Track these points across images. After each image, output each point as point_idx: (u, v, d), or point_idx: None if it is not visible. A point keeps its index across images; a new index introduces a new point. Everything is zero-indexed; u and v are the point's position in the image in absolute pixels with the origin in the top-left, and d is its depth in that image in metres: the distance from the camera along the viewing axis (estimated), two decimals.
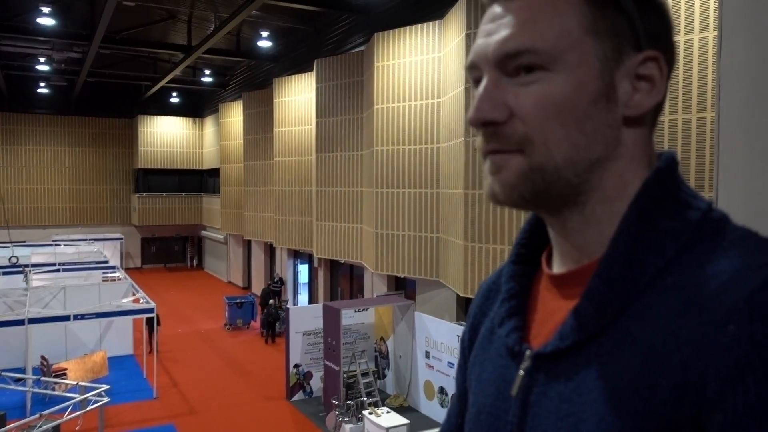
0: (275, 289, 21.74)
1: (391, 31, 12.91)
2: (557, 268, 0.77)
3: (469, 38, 10.25)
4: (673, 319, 0.60)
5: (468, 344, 0.94)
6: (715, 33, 6.41)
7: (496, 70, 0.69)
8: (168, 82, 25.02)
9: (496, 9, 0.71)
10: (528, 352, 0.73)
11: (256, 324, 19.67)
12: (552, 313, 0.75)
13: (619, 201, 0.70)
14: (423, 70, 12.29)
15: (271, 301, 18.32)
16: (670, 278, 0.63)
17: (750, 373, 0.54)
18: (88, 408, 9.34)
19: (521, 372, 0.73)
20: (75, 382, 10.69)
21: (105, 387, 9.88)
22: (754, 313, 0.55)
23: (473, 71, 0.73)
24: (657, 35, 0.69)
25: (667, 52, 0.70)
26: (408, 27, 12.59)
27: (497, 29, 0.69)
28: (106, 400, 9.43)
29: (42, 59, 22.87)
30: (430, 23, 12.21)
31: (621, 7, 0.67)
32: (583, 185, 0.69)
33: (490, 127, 0.69)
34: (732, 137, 1.06)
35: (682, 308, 0.60)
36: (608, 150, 0.68)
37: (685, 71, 6.69)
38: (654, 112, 0.72)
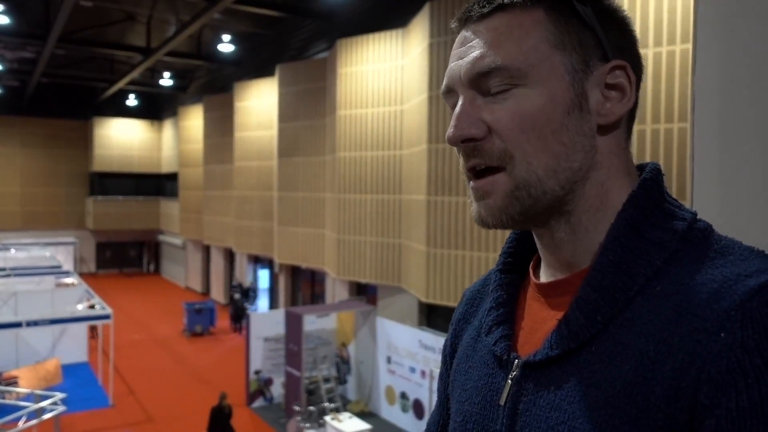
0: (236, 296, 21.55)
1: (354, 38, 12.99)
2: (544, 277, 0.78)
3: (432, 47, 10.41)
4: (664, 327, 0.61)
5: (450, 352, 0.93)
6: (683, 46, 6.67)
7: (471, 89, 0.72)
8: (126, 84, 24.55)
9: (466, 33, 0.74)
10: (517, 361, 0.74)
11: (215, 330, 19.43)
12: (540, 322, 0.76)
13: (603, 210, 0.72)
14: (386, 78, 12.40)
15: (236, 296, 19.27)
16: (659, 286, 0.65)
17: (742, 378, 0.55)
18: (44, 417, 9.09)
19: (510, 381, 0.74)
20: (29, 391, 10.39)
21: (61, 395, 9.62)
22: (745, 320, 0.56)
23: (449, 96, 0.75)
24: (622, 46, 0.72)
25: (633, 61, 0.73)
26: (371, 34, 12.69)
27: (468, 51, 0.72)
28: (62, 408, 9.19)
29: None
30: (394, 31, 12.33)
31: (585, 22, 0.70)
32: (568, 195, 0.71)
33: (469, 143, 0.71)
34: (706, 149, 1.12)
35: (672, 316, 0.61)
36: (587, 158, 0.71)
37: (668, 82, 6.90)
38: (628, 120, 0.75)
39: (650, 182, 0.71)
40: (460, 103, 0.73)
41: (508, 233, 0.89)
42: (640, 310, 0.65)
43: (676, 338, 0.60)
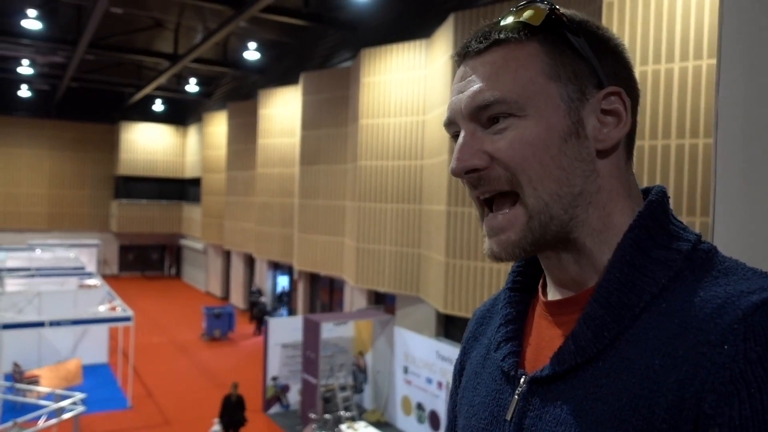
0: (254, 300, 21.68)
1: (378, 47, 13.05)
2: (551, 295, 0.80)
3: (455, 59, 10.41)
4: (670, 341, 0.63)
5: (459, 369, 0.96)
6: (710, 61, 6.59)
7: (471, 122, 0.75)
8: (152, 90, 24.93)
9: (465, 68, 0.77)
10: (524, 377, 0.76)
11: (234, 335, 19.54)
12: (547, 339, 0.78)
13: (605, 231, 0.74)
14: (409, 88, 12.43)
15: (262, 299, 20.38)
16: (664, 304, 0.67)
17: (745, 388, 0.57)
18: (63, 417, 9.20)
19: (516, 396, 0.76)
20: (50, 390, 10.53)
21: (81, 395, 9.74)
22: (747, 333, 0.59)
23: (451, 127, 0.79)
24: (616, 72, 0.75)
25: (629, 86, 0.76)
26: (395, 44, 12.74)
27: (467, 85, 0.75)
28: (82, 409, 9.30)
29: (25, 62, 22.68)
30: (417, 42, 12.37)
31: (579, 52, 0.73)
32: (572, 221, 0.74)
33: (473, 174, 0.74)
34: (729, 166, 1.12)
35: (677, 330, 0.64)
36: (587, 183, 0.73)
37: (693, 96, 6.83)
38: (627, 143, 0.77)
39: (656, 204, 0.74)
40: (461, 135, 0.76)
41: None
42: (646, 327, 0.67)
43: (680, 351, 0.62)
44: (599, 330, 0.69)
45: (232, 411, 10.99)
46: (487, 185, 0.75)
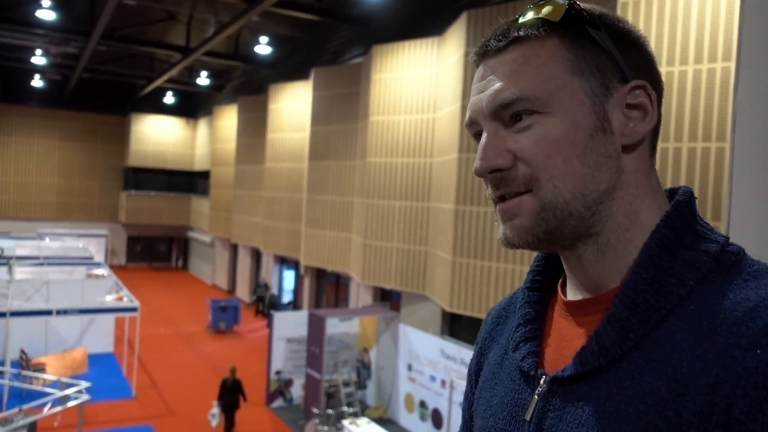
0: (261, 294, 21.74)
1: (389, 44, 13.03)
2: (572, 295, 0.79)
3: (468, 56, 10.39)
4: (699, 344, 0.62)
5: (476, 370, 0.95)
6: (724, 64, 6.54)
7: (494, 121, 0.74)
8: (164, 82, 25.00)
9: (485, 67, 0.76)
10: (544, 377, 0.75)
11: (239, 328, 19.61)
12: (567, 340, 0.77)
13: (632, 229, 0.73)
14: (420, 85, 12.41)
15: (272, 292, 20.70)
16: (692, 306, 0.65)
17: None
18: (68, 405, 9.26)
19: (536, 396, 0.75)
20: (56, 378, 10.60)
21: (86, 384, 9.80)
22: None
23: (472, 127, 0.78)
24: (639, 66, 0.74)
25: (652, 79, 0.74)
26: (407, 41, 12.72)
27: (488, 84, 0.74)
28: (86, 397, 9.35)
29: (38, 52, 22.80)
30: (429, 39, 12.34)
31: (600, 46, 0.72)
32: (595, 217, 0.72)
33: (497, 174, 0.73)
34: (746, 170, 1.11)
35: (707, 333, 0.62)
36: (613, 179, 0.72)
37: (707, 99, 6.78)
38: (652, 138, 0.76)
39: (683, 204, 0.73)
40: (484, 135, 0.75)
41: None
42: (673, 329, 0.65)
43: (710, 354, 0.61)
44: (624, 331, 0.68)
45: (230, 394, 11.35)
46: (507, 186, 0.74)
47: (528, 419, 0.75)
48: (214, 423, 11.11)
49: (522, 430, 0.76)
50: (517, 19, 0.75)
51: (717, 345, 0.61)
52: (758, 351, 0.58)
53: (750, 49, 1.16)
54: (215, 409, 11.19)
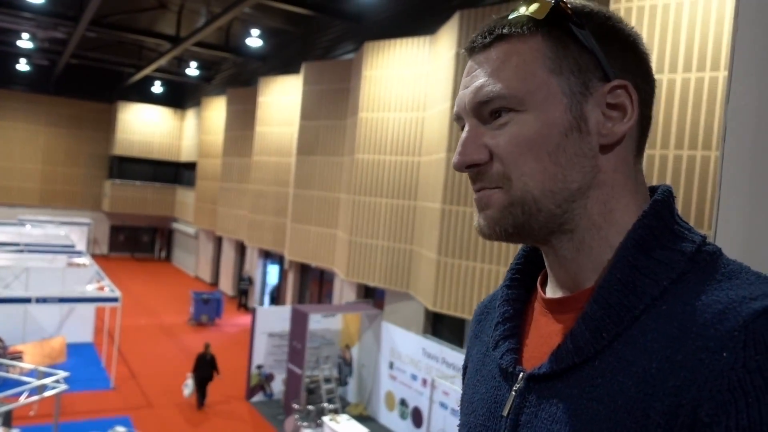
0: (243, 288, 21.66)
1: (381, 41, 13.01)
2: (551, 293, 0.80)
3: (459, 56, 10.39)
4: (668, 345, 0.63)
5: (464, 368, 0.97)
6: (712, 74, 6.59)
7: (474, 117, 0.75)
8: (152, 71, 24.78)
9: (471, 63, 0.78)
10: (522, 374, 0.76)
11: (222, 321, 19.52)
12: (546, 337, 0.77)
13: (607, 228, 0.74)
14: (410, 83, 12.40)
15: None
16: (665, 306, 0.66)
17: (742, 396, 0.56)
18: (45, 394, 9.15)
19: (513, 393, 0.76)
20: (33, 367, 10.47)
21: (64, 374, 9.69)
22: (747, 341, 0.58)
23: (459, 122, 0.79)
24: (625, 65, 0.73)
25: (641, 78, 0.74)
26: (399, 39, 12.70)
27: (472, 81, 0.76)
28: (64, 387, 9.25)
29: (25, 36, 22.49)
30: (421, 38, 12.34)
31: (583, 44, 0.72)
32: (567, 215, 0.73)
33: (474, 168, 0.75)
34: (734, 179, 1.11)
35: (677, 335, 0.63)
36: (586, 178, 0.72)
37: (694, 108, 6.82)
38: (638, 139, 0.76)
39: (661, 204, 0.73)
40: (465, 130, 0.76)
41: (519, 247, 0.91)
42: (645, 329, 0.66)
43: (679, 356, 0.61)
44: (598, 330, 0.69)
45: (204, 368, 12.28)
46: (482, 181, 0.75)
47: (505, 415, 0.76)
48: (187, 392, 12.27)
49: (499, 425, 0.77)
50: (506, 17, 0.76)
51: (686, 347, 0.61)
52: (725, 354, 0.58)
53: (743, 58, 1.16)
54: (189, 381, 12.23)
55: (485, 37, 0.76)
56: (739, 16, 1.16)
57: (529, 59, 0.72)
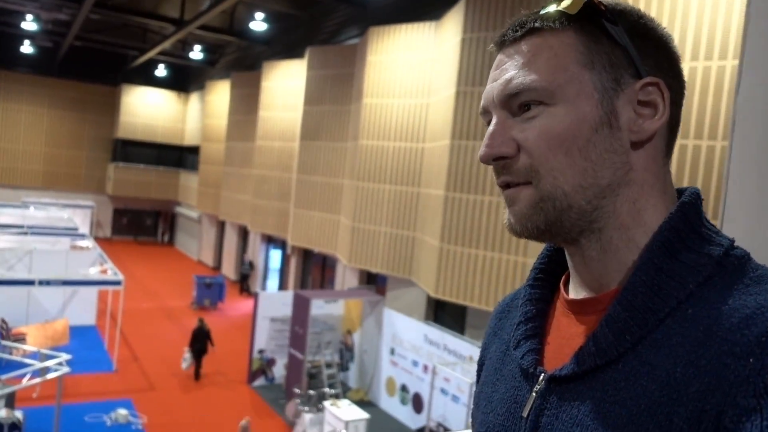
0: (245, 272, 21.71)
1: (386, 26, 12.91)
2: (574, 293, 0.79)
3: (465, 42, 10.31)
4: (693, 349, 0.62)
5: (480, 364, 0.96)
6: (735, 62, 6.54)
7: (503, 110, 0.75)
8: (156, 54, 24.68)
9: (500, 56, 0.77)
10: (542, 375, 0.75)
11: (224, 305, 19.59)
12: (568, 338, 0.77)
13: (635, 228, 0.73)
14: (415, 69, 12.32)
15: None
16: (690, 310, 0.65)
17: (767, 403, 0.55)
18: (48, 376, 9.21)
19: (534, 394, 0.75)
20: (36, 349, 10.53)
21: (67, 356, 9.73)
22: None
23: (485, 116, 0.79)
24: (657, 63, 0.73)
25: (672, 77, 0.74)
26: (404, 24, 12.61)
27: (501, 74, 0.75)
28: (66, 370, 9.30)
29: (29, 17, 22.39)
30: (427, 23, 12.24)
31: (616, 41, 0.72)
32: (597, 212, 0.72)
33: (500, 161, 0.74)
34: (743, 172, 1.09)
35: (702, 339, 0.62)
36: (617, 175, 0.72)
37: (715, 97, 6.76)
38: (668, 138, 0.76)
39: (689, 206, 0.72)
40: (493, 122, 0.76)
41: (543, 247, 0.90)
42: (670, 332, 0.65)
43: (704, 361, 0.60)
44: (621, 333, 0.68)
45: (201, 341, 13.00)
46: (508, 175, 0.75)
47: (525, 416, 0.76)
48: (185, 365, 13.04)
49: (519, 426, 0.76)
50: (538, 11, 0.75)
51: (711, 351, 0.60)
52: (751, 360, 0.57)
53: (754, 49, 1.14)
54: (187, 354, 13.01)
55: (516, 31, 0.75)
56: (751, 6, 1.14)
57: (561, 53, 0.72)
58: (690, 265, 0.68)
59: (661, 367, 0.63)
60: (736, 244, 0.71)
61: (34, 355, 10.41)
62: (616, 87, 0.72)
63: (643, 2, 7.18)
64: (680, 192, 0.77)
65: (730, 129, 1.15)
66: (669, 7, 7.04)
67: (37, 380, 9.17)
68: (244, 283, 21.86)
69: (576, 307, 0.78)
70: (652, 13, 7.05)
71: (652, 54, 0.73)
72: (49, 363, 9.42)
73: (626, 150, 0.72)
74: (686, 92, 0.81)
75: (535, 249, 8.56)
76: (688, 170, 6.82)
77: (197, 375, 13.06)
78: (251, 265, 21.84)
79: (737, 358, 0.58)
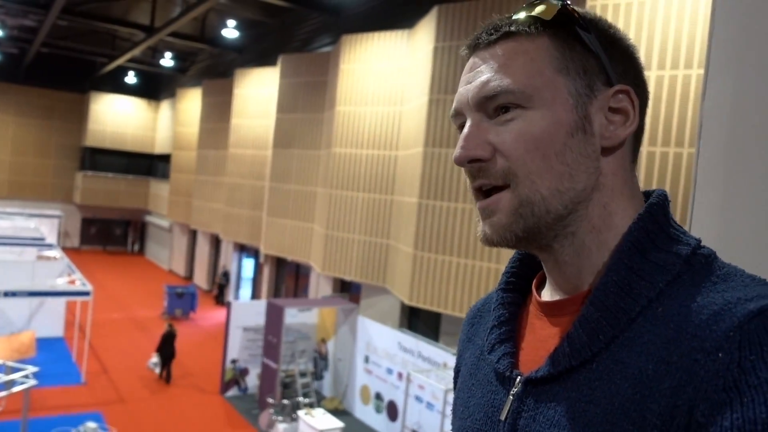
0: (221, 283, 21.46)
1: (359, 34, 12.96)
2: (548, 296, 0.80)
3: (437, 51, 10.39)
4: (664, 346, 0.63)
5: (456, 371, 0.97)
6: (699, 71, 6.70)
7: (477, 112, 0.75)
8: (125, 61, 24.38)
9: (474, 59, 0.78)
10: (518, 378, 0.76)
11: (196, 315, 19.33)
12: (542, 340, 0.78)
13: (606, 231, 0.74)
14: (388, 77, 12.38)
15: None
16: (660, 308, 0.67)
17: (737, 397, 0.56)
18: (14, 389, 8.98)
19: (511, 397, 0.76)
20: (1, 361, 10.27)
21: (34, 369, 9.52)
22: (743, 341, 0.58)
23: (457, 118, 0.79)
24: (626, 71, 0.75)
25: (638, 86, 0.76)
26: (377, 33, 12.67)
27: (475, 76, 0.76)
28: (33, 383, 9.09)
29: None
30: (399, 31, 12.32)
31: (589, 48, 0.74)
32: (572, 216, 0.73)
33: (475, 164, 0.74)
34: (709, 178, 1.11)
35: (672, 336, 0.63)
36: (591, 180, 0.73)
37: (681, 105, 6.90)
38: (633, 144, 0.77)
39: (657, 207, 0.73)
40: (467, 125, 0.76)
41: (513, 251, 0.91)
42: (642, 330, 0.66)
43: (675, 357, 0.62)
44: (594, 333, 0.69)
45: (169, 346, 13.25)
46: (484, 177, 0.75)
47: (503, 419, 0.76)
48: (157, 370, 13.51)
49: (497, 430, 0.77)
50: (511, 16, 0.76)
51: (681, 348, 0.61)
52: (720, 354, 0.59)
53: (719, 57, 1.17)
54: (155, 359, 13.46)
55: (491, 34, 0.76)
56: (716, 15, 1.17)
57: (537, 57, 0.73)
58: (659, 264, 0.69)
59: (634, 365, 0.64)
60: (702, 243, 0.72)
61: (0, 368, 10.15)
62: (590, 93, 0.73)
63: (611, 12, 7.33)
64: (647, 194, 0.78)
65: (697, 135, 1.17)
66: (636, 17, 7.19)
67: (3, 393, 8.94)
68: (221, 294, 21.59)
69: (549, 309, 0.78)
70: (620, 23, 7.20)
71: (621, 62, 0.75)
72: (15, 376, 9.20)
73: (598, 155, 0.74)
74: (654, 100, 0.83)
75: (509, 256, 8.63)
76: (656, 176, 6.96)
77: (168, 378, 13.23)
78: (227, 276, 21.59)
79: (707, 353, 0.59)
